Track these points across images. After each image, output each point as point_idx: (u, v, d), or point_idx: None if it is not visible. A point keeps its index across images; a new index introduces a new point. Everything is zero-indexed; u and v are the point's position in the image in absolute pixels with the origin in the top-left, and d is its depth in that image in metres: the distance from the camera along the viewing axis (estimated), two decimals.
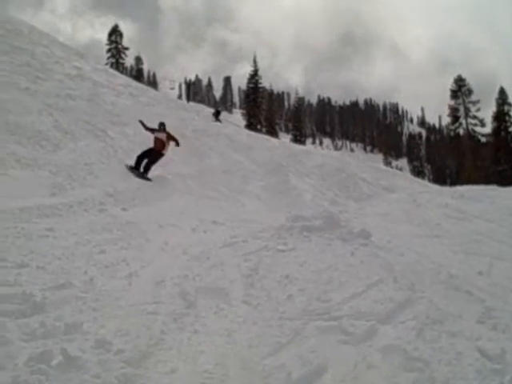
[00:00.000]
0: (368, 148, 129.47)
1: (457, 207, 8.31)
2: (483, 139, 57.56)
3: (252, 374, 3.05)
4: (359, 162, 28.20)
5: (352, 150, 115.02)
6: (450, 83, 59.95)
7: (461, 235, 6.64)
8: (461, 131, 57.98)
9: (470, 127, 57.54)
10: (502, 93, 57.51)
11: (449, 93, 59.75)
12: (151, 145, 13.22)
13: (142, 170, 12.58)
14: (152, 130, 13.66)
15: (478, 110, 57.92)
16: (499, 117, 55.13)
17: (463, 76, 60.11)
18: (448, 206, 8.35)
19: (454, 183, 34.12)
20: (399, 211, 8.17)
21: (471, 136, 57.17)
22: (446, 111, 59.76)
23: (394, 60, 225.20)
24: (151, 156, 12.92)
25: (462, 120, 57.99)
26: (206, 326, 3.63)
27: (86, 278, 4.51)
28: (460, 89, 58.79)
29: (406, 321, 3.65)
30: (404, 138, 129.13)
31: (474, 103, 58.18)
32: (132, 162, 12.47)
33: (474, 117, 57.57)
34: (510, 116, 55.53)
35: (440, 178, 62.95)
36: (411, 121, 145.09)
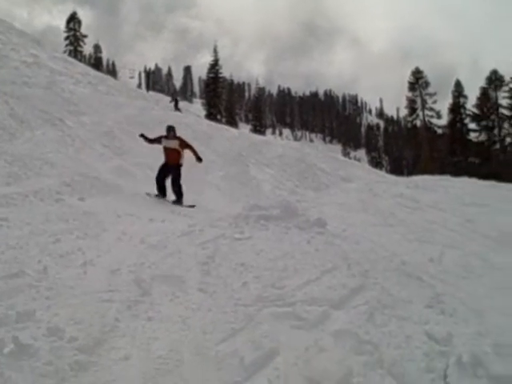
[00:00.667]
0: (327, 139, 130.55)
1: (411, 197, 8.49)
2: (439, 131, 58.80)
3: (205, 359, 3.08)
4: (318, 153, 28.46)
5: (311, 141, 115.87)
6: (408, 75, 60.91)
7: (414, 224, 6.81)
8: (418, 123, 59.01)
9: (427, 119, 58.67)
10: (458, 85, 58.70)
11: (407, 85, 60.72)
12: (161, 157, 11.76)
13: (175, 199, 11.14)
14: (158, 140, 11.76)
15: (435, 102, 59.08)
16: (455, 109, 56.36)
17: (421, 68, 61.15)
18: (403, 196, 8.53)
19: (410, 174, 34.68)
20: (355, 201, 8.30)
21: (428, 127, 58.30)
22: (404, 103, 60.80)
23: (355, 51, 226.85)
24: (172, 173, 11.30)
25: (419, 112, 59.01)
26: (160, 313, 3.64)
27: (39, 267, 4.45)
28: (417, 81, 59.75)
29: (357, 306, 3.74)
30: (363, 129, 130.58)
31: (430, 95, 59.33)
32: (148, 187, 11.29)
33: (431, 109, 58.72)
34: (465, 108, 56.78)
35: (397, 169, 64.01)
36: (370, 112, 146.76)
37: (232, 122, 59.11)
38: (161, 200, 10.96)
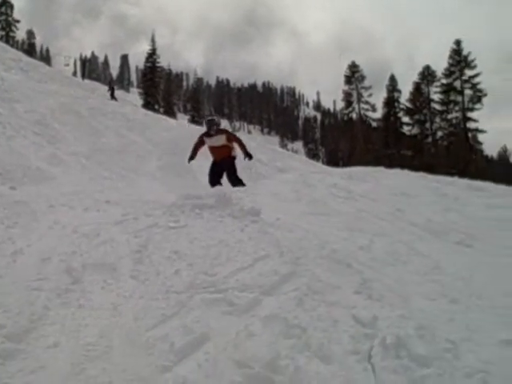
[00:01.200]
0: (265, 130, 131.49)
1: (344, 187, 8.66)
2: (374, 124, 60.37)
3: (136, 345, 3.10)
4: (256, 144, 28.59)
5: (249, 132, 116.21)
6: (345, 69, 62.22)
7: (346, 213, 6.96)
8: (354, 115, 60.31)
9: (363, 112, 60.12)
10: (393, 80, 60.32)
11: (343, 78, 61.90)
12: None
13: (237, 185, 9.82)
14: (201, 143, 10.52)
15: (370, 95, 60.65)
16: (389, 103, 58.02)
17: (357, 62, 62.45)
18: (336, 186, 8.68)
19: (346, 165, 35.39)
20: (290, 191, 8.39)
21: (363, 120, 59.75)
22: (341, 96, 61.98)
23: (294, 43, 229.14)
24: (226, 169, 10.29)
25: (355, 105, 60.25)
26: (91, 301, 3.62)
27: None
28: (353, 75, 60.98)
29: (288, 292, 3.82)
30: (300, 122, 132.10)
31: (366, 89, 60.81)
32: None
33: (366, 102, 60.18)
34: (399, 102, 58.43)
35: (333, 161, 64.99)
36: (307, 105, 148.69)
37: (170, 113, 58.68)
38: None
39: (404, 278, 4.49)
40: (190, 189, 11.65)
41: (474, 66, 57.74)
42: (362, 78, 60.85)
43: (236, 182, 10.12)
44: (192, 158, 10.77)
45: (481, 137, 58.36)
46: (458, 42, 58.57)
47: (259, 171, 19.26)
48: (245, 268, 4.23)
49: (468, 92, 57.54)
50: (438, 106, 58.10)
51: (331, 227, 6.15)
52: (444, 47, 56.91)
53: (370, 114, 59.80)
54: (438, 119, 58.43)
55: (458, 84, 57.68)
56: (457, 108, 57.72)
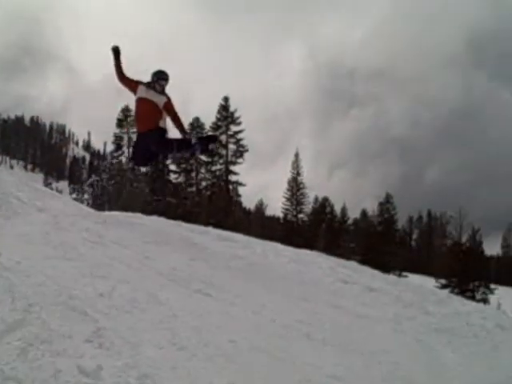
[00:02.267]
0: (29, 167, 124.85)
1: (97, 231, 8.55)
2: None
3: None
4: (17, 180, 26.93)
5: (12, 167, 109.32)
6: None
7: (93, 259, 6.87)
8: (123, 159, 60.31)
9: None
10: None
11: (116, 121, 61.97)
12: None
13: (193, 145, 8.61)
14: (132, 83, 8.67)
15: None
16: None
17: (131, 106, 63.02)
18: (88, 230, 8.54)
19: (111, 209, 34.93)
20: (39, 233, 8.06)
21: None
22: (112, 138, 61.78)
23: (69, 80, 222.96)
24: (153, 143, 8.64)
25: (125, 149, 60.38)
26: None
27: None
28: (126, 118, 61.24)
29: (12, 341, 3.63)
30: (68, 161, 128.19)
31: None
32: None
33: None
34: None
35: (99, 204, 63.75)
36: (77, 144, 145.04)
37: None
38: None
39: (138, 326, 4.54)
40: None
41: (239, 123, 62.15)
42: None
43: (175, 145, 8.57)
44: (117, 58, 8.62)
45: (241, 189, 62.55)
46: (226, 99, 62.63)
47: (15, 209, 18.11)
48: None
49: (232, 146, 61.59)
50: (204, 157, 60.98)
51: (75, 273, 6.01)
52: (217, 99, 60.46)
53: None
54: (203, 170, 61.29)
55: (224, 138, 61.35)
56: (221, 161, 61.25)
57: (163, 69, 8.64)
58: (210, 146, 9.19)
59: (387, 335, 5.76)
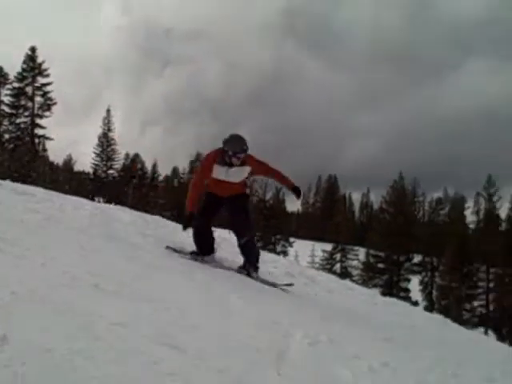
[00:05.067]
0: None
1: None
2: None
3: None
4: None
5: None
6: None
7: None
8: None
9: None
10: None
11: None
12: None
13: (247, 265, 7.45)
14: (204, 178, 7.24)
15: None
16: None
17: None
18: None
19: None
20: None
21: None
22: None
23: None
24: (233, 206, 7.31)
25: None
26: None
27: None
28: None
29: None
30: None
31: None
32: None
33: None
34: None
35: None
36: None
37: None
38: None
39: None
40: None
41: (48, 75, 58.76)
42: None
43: (246, 228, 7.31)
44: (192, 215, 7.22)
45: (48, 144, 59.50)
46: (33, 49, 58.74)
47: None
48: None
49: (39, 99, 58.17)
50: (7, 109, 57.13)
51: None
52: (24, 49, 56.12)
53: None
54: (6, 122, 57.34)
55: (29, 90, 57.81)
56: (26, 113, 57.69)
57: (240, 135, 7.20)
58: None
59: (179, 284, 5.96)
